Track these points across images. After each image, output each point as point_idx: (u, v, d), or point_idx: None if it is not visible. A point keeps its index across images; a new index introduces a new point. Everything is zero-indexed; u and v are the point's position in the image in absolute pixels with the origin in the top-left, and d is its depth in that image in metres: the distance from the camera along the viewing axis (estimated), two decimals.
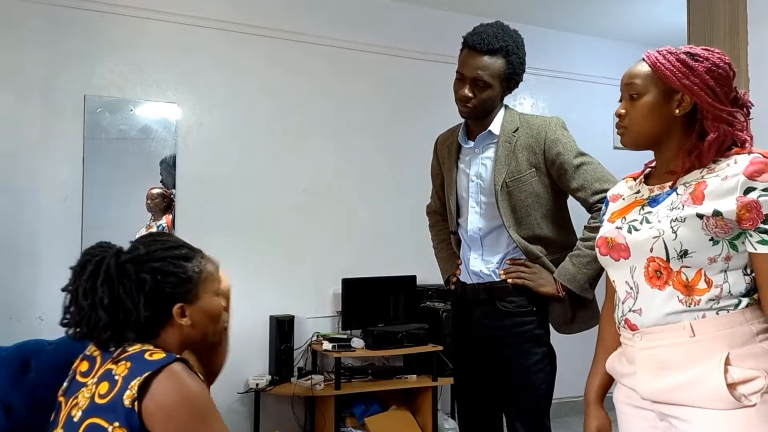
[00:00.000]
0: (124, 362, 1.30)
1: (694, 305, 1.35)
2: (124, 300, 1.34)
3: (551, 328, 2.14)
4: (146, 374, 1.26)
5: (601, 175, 2.06)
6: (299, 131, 4.05)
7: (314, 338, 3.94)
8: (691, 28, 3.23)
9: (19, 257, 3.38)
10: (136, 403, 1.24)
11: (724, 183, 1.34)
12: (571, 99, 4.85)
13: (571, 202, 2.17)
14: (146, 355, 1.30)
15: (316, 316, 4.03)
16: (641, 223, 1.43)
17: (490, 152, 2.15)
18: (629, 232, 1.44)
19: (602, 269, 1.93)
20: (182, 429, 1.27)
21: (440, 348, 3.83)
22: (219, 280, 1.47)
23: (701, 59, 1.39)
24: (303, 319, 3.96)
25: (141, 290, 1.35)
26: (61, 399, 1.38)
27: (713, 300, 1.35)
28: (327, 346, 3.73)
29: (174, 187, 3.72)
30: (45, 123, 3.46)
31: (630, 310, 1.45)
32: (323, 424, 3.76)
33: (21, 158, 3.41)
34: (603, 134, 4.93)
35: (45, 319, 3.29)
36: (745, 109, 1.43)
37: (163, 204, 3.70)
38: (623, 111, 1.47)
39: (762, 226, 1.31)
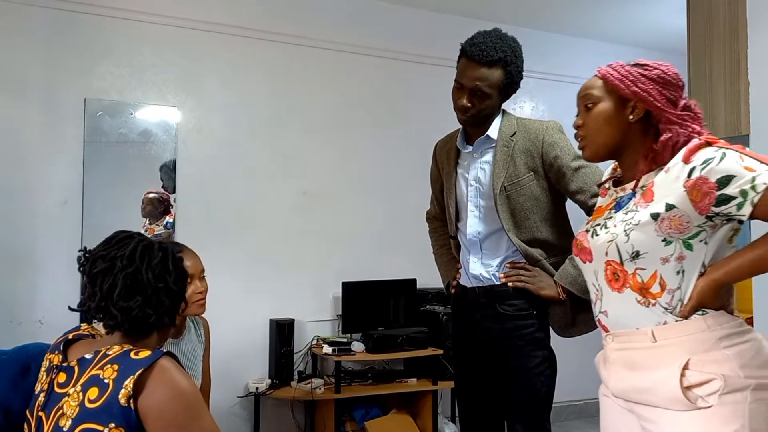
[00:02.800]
0: (110, 365, 1.32)
1: (650, 307, 1.40)
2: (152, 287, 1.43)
3: (552, 331, 2.14)
4: (139, 371, 1.28)
5: (599, 177, 2.06)
6: (299, 134, 4.05)
7: (314, 342, 3.94)
8: (691, 31, 3.24)
9: (20, 260, 3.38)
10: (131, 400, 1.26)
11: (668, 175, 1.40)
12: (571, 102, 4.77)
13: (570, 205, 2.17)
14: (132, 354, 1.33)
15: (316, 319, 4.03)
16: (602, 228, 1.48)
17: (489, 156, 2.15)
18: (592, 236, 1.50)
19: None
20: (175, 423, 1.29)
21: (440, 351, 3.83)
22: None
23: (650, 68, 1.47)
24: (303, 322, 3.96)
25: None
26: (41, 414, 1.37)
27: (670, 305, 1.39)
28: (327, 349, 3.73)
29: (174, 191, 3.72)
30: (45, 126, 3.47)
31: (600, 312, 1.51)
32: (323, 427, 3.75)
33: (21, 162, 3.42)
34: None
35: (45, 322, 3.29)
36: (699, 119, 1.47)
37: (161, 208, 3.69)
38: (581, 122, 1.54)
39: (721, 193, 1.32)
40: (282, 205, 3.99)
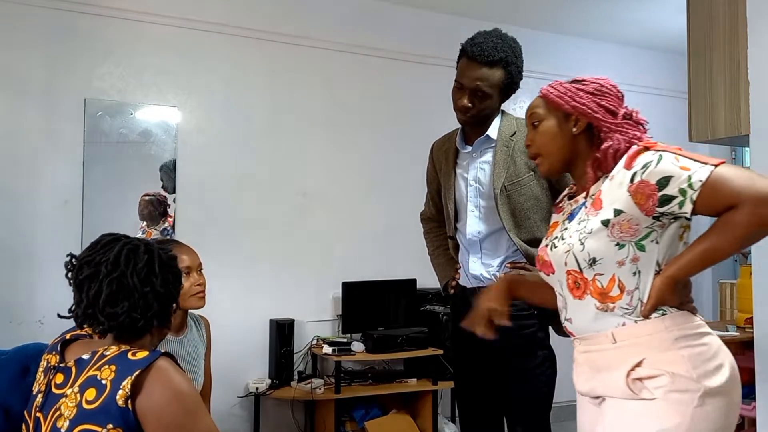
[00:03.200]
0: (107, 366, 1.31)
1: (610, 312, 1.46)
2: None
3: (552, 331, 2.14)
4: (137, 372, 1.28)
5: None
6: (299, 134, 4.05)
7: (314, 342, 3.94)
8: (691, 32, 3.23)
9: (20, 260, 3.38)
10: (129, 401, 1.26)
11: (613, 182, 1.46)
12: None
13: None
14: (129, 355, 1.32)
15: (316, 319, 4.03)
16: (559, 240, 1.54)
17: (488, 156, 2.16)
18: (551, 249, 1.56)
19: None
20: (174, 424, 1.29)
21: (440, 352, 3.83)
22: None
23: (587, 83, 1.56)
24: (303, 322, 3.96)
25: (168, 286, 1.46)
26: (38, 415, 1.37)
27: (630, 306, 1.44)
28: (327, 349, 3.73)
29: (174, 191, 3.72)
30: (45, 126, 3.47)
31: (565, 319, 1.57)
32: (323, 428, 3.75)
33: (21, 162, 3.42)
34: None
35: (45, 322, 3.29)
36: (640, 126, 1.53)
37: (160, 209, 3.68)
38: (530, 141, 1.62)
39: (663, 194, 1.38)
40: (282, 205, 3.99)
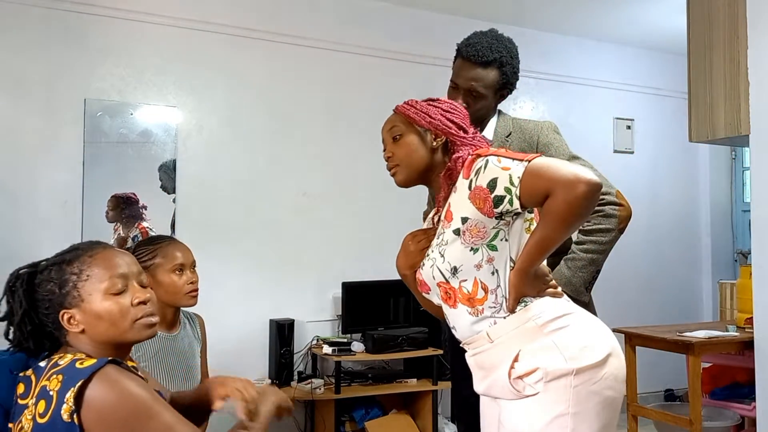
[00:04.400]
0: (56, 376, 1.26)
1: (480, 314, 1.53)
2: (16, 312, 1.37)
3: None
4: (79, 383, 1.22)
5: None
6: (299, 135, 4.05)
7: (314, 342, 3.94)
8: (691, 32, 3.23)
9: (19, 261, 3.34)
10: (75, 415, 1.20)
11: (457, 193, 1.56)
12: (571, 102, 4.86)
13: None
14: (77, 364, 1.26)
15: (316, 319, 4.03)
16: (426, 258, 1.63)
17: None
18: (422, 268, 1.64)
19: (598, 272, 2.02)
20: (125, 430, 1.23)
21: (440, 352, 3.83)
22: (109, 277, 1.37)
23: (440, 102, 1.70)
24: (303, 322, 3.96)
25: (30, 301, 1.37)
26: (10, 426, 1.33)
27: (497, 304, 1.53)
28: (327, 349, 3.72)
29: (174, 191, 3.72)
30: (45, 126, 3.46)
31: (451, 328, 1.64)
32: (323, 427, 3.75)
33: (21, 162, 3.41)
34: (602, 137, 4.95)
35: None
36: (486, 143, 1.65)
37: (128, 212, 3.54)
38: (390, 153, 1.69)
39: (494, 195, 1.47)
40: (282, 206, 3.99)
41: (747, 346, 3.07)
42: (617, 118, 5.05)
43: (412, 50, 4.35)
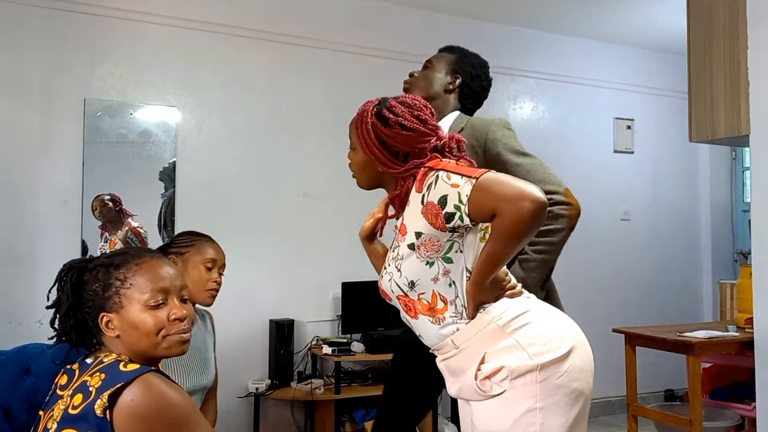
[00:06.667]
0: (98, 374, 1.30)
1: (442, 322, 1.54)
2: (63, 303, 1.41)
3: None
4: (119, 384, 1.25)
5: (542, 176, 2.02)
6: (299, 134, 4.05)
7: (314, 342, 3.94)
8: (691, 32, 3.23)
9: (19, 261, 3.38)
10: (107, 411, 1.23)
11: (411, 207, 1.55)
12: (571, 102, 4.85)
13: None
14: (120, 366, 1.30)
15: (316, 320, 4.03)
16: (384, 270, 1.64)
17: None
18: (382, 278, 1.65)
19: (551, 270, 2.05)
20: None
21: None
22: (150, 289, 1.38)
23: (394, 117, 1.64)
24: (303, 323, 3.96)
25: (76, 296, 1.41)
26: (40, 413, 1.37)
27: (457, 313, 1.53)
28: (327, 350, 3.72)
29: (174, 191, 3.72)
30: (45, 126, 3.46)
31: (418, 336, 1.65)
32: (323, 428, 3.75)
33: (21, 162, 3.41)
34: (602, 137, 4.94)
35: (44, 323, 3.26)
36: (447, 151, 1.62)
37: (115, 212, 3.53)
38: (349, 159, 1.71)
39: (445, 212, 1.46)
40: (282, 206, 3.99)
41: (747, 346, 3.07)
42: (617, 118, 5.05)
43: (412, 50, 4.34)
